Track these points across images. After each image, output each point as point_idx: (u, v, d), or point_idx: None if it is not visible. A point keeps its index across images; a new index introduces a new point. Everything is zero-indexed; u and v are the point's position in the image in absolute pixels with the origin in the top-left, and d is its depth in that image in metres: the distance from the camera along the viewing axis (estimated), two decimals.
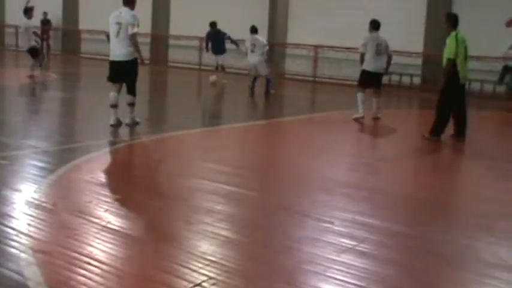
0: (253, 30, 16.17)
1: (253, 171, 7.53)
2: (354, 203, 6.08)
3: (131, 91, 9.52)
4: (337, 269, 4.25)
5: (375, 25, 12.03)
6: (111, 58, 9.47)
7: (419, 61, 19.31)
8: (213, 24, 18.25)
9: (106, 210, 5.34)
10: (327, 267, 4.27)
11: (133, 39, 9.30)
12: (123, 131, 9.45)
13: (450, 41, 9.58)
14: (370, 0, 20.05)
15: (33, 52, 16.39)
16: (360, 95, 11.77)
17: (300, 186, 6.73)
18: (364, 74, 11.89)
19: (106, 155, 8.00)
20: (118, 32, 9.29)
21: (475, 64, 17.73)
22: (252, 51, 15.87)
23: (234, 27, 20.10)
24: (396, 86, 19.31)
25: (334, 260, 4.42)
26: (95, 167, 7.12)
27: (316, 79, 21.15)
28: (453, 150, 9.88)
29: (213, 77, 17.35)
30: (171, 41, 24.28)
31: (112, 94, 9.48)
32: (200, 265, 4.18)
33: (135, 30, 9.27)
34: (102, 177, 6.58)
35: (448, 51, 9.53)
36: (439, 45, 18.79)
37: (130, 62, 9.40)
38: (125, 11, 9.39)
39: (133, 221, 5.21)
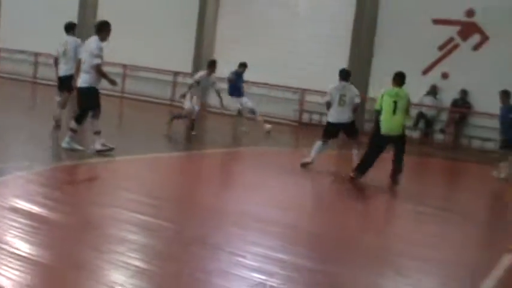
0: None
1: (169, 202, 7.53)
2: (266, 238, 6.19)
3: (77, 118, 9.76)
4: None
5: (342, 75, 11.79)
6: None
7: None
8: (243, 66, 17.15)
9: (15, 236, 5.23)
10: None
11: (96, 69, 9.58)
12: (43, 155, 9.27)
13: (379, 97, 10.45)
14: (296, 41, 20.55)
15: (70, 82, 12.05)
16: (318, 143, 11.35)
17: (215, 219, 6.77)
18: (328, 125, 11.68)
19: (19, 178, 7.81)
20: (85, 60, 9.67)
21: None
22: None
23: (159, 61, 20.22)
24: (316, 125, 19.76)
25: None
26: (6, 191, 6.95)
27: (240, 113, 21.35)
28: (371, 192, 10.18)
29: (268, 126, 15.88)
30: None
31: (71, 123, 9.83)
32: None
33: (99, 61, 9.58)
34: (13, 202, 6.42)
35: (377, 104, 10.50)
36: (359, 88, 19.51)
37: (84, 89, 9.67)
38: (93, 39, 9.72)
39: (43, 248, 5.11)
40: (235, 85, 16.71)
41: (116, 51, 21.89)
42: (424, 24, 18.48)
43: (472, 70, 17.72)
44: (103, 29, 9.77)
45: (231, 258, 5.32)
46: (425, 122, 18.24)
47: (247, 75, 19.52)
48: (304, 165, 10.94)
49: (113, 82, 9.94)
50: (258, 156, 12.46)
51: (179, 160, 11.14)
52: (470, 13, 18.07)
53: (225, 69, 21.97)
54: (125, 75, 22.36)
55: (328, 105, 11.62)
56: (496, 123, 16.03)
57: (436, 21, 18.37)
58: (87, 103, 9.76)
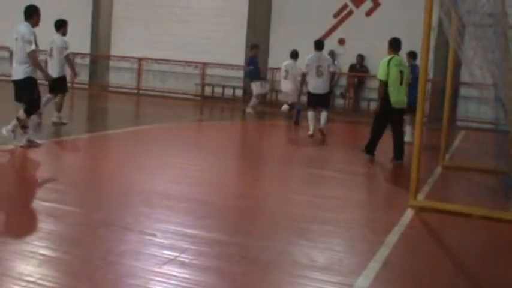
0: (293, 55, 14.86)
1: (74, 187, 7.35)
2: (176, 215, 6.19)
3: (26, 109, 9.07)
4: (158, 281, 4.32)
5: (317, 45, 12.50)
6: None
7: (241, 74, 19.97)
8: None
9: None
10: (149, 280, 4.33)
11: (30, 57, 8.91)
12: None
13: (382, 64, 9.67)
14: (194, 15, 20.41)
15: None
16: (309, 114, 12.42)
17: (122, 200, 6.70)
18: (308, 95, 12.57)
19: None
20: (16, 49, 8.98)
21: None
22: (285, 77, 14.55)
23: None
24: (219, 98, 19.81)
25: (156, 271, 4.48)
26: None
27: (140, 91, 21.10)
28: (272, 160, 10.34)
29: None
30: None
31: (20, 112, 9.12)
32: (17, 287, 4.04)
33: (33, 47, 8.88)
34: None
35: (379, 73, 9.71)
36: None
37: (22, 81, 8.98)
38: (21, 25, 9.01)
39: None
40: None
41: (10, 34, 20.95)
42: None
43: (366, 35, 18.25)
44: (33, 14, 9.10)
45: (141, 238, 5.29)
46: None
47: (147, 53, 19.28)
48: (311, 136, 12.20)
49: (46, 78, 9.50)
50: (163, 133, 12.37)
51: (82, 143, 10.88)
52: None
53: (125, 47, 21.63)
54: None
55: (304, 77, 12.48)
56: None
57: None
58: (30, 96, 9.11)
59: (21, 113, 9.08)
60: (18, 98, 9.18)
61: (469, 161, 10.31)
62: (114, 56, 21.82)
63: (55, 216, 5.90)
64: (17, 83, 9.07)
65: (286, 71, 14.50)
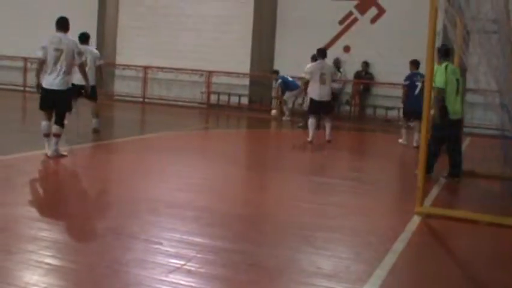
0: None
1: (80, 195, 7.38)
2: (181, 223, 6.19)
3: (59, 121, 9.21)
4: None
5: (320, 53, 12.70)
6: (45, 86, 9.14)
7: (246, 81, 20.01)
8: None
9: None
10: None
11: (82, 68, 9.41)
12: None
13: (439, 72, 8.77)
14: (199, 23, 20.48)
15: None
16: (310, 121, 12.55)
17: (129, 208, 6.70)
18: (311, 102, 12.63)
19: None
20: (57, 60, 9.04)
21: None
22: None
23: None
24: (225, 106, 19.86)
25: (162, 280, 4.48)
26: None
27: (146, 100, 21.15)
28: (277, 167, 10.34)
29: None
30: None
31: (44, 123, 9.21)
32: None
33: (84, 58, 9.43)
34: None
35: (438, 81, 8.67)
36: (264, 66, 19.75)
37: (66, 92, 9.16)
38: (64, 36, 9.18)
39: None
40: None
41: (19, 45, 20.99)
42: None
43: (371, 42, 18.26)
44: (68, 26, 9.35)
45: (147, 247, 5.29)
46: (332, 95, 18.65)
47: (152, 61, 19.29)
48: (311, 143, 12.36)
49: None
50: (169, 141, 12.38)
51: (88, 152, 10.90)
52: None
53: (131, 56, 21.70)
54: (26, 69, 21.62)
55: (306, 84, 12.59)
56: (397, 92, 16.63)
57: None
58: (68, 107, 9.40)
59: (56, 128, 9.19)
60: (56, 107, 9.23)
61: (475, 167, 10.28)
62: (119, 65, 21.90)
63: (61, 225, 5.91)
64: (61, 94, 9.13)
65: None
